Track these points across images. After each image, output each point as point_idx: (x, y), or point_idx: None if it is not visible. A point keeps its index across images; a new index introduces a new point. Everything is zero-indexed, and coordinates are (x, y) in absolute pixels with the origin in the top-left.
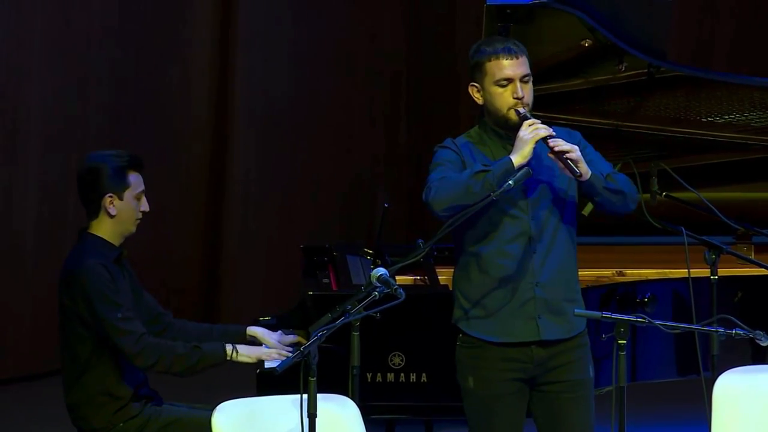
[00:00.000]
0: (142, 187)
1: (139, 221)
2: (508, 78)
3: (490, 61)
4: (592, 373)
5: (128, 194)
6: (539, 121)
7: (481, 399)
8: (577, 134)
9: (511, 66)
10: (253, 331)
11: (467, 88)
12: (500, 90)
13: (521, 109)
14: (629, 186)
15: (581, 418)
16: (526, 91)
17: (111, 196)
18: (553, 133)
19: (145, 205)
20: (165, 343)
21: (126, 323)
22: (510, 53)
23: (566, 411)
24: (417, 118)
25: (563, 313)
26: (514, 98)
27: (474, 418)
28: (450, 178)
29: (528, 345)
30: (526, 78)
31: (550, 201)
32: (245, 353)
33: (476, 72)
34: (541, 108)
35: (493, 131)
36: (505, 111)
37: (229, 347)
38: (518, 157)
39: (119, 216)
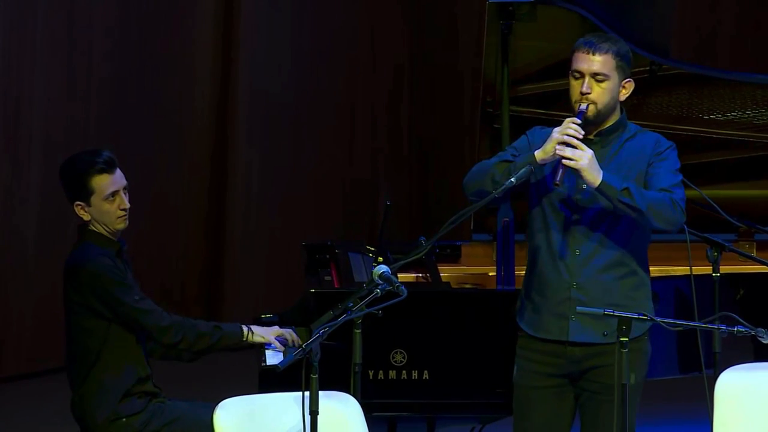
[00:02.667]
0: (112, 188)
1: (123, 218)
2: (579, 71)
3: (575, 51)
4: (634, 379)
5: (95, 199)
6: (579, 122)
7: (520, 389)
8: (665, 144)
9: (585, 60)
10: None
11: (470, 85)
12: (573, 82)
13: (583, 105)
14: (660, 206)
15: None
16: (596, 90)
17: (79, 204)
18: (579, 137)
19: (122, 204)
20: (188, 320)
21: (144, 303)
22: (590, 47)
23: (602, 414)
24: (419, 116)
25: (603, 317)
26: (580, 93)
27: (515, 407)
28: (486, 163)
29: (563, 343)
30: (600, 77)
31: (603, 203)
32: (260, 333)
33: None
34: (543, 105)
35: None
36: (573, 102)
37: (245, 328)
38: (541, 153)
39: (95, 219)
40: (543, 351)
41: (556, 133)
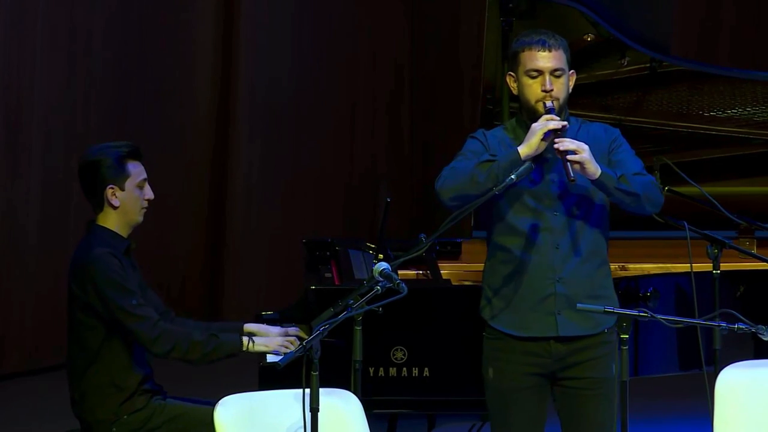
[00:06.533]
0: (144, 176)
1: (144, 210)
2: (538, 69)
3: (524, 51)
4: (614, 371)
5: (129, 184)
6: (558, 117)
7: (499, 391)
8: (615, 131)
9: (543, 58)
10: (251, 327)
11: (470, 83)
12: (530, 81)
13: (549, 103)
14: (648, 189)
15: (602, 417)
16: (557, 86)
17: (112, 188)
18: (565, 128)
19: (149, 193)
20: (181, 329)
21: (141, 309)
22: (544, 45)
23: (587, 408)
24: (420, 113)
25: (603, 312)
26: (542, 91)
27: (493, 410)
28: (459, 167)
29: (547, 340)
30: (558, 72)
31: (578, 197)
32: (262, 343)
33: (513, 61)
34: None
35: (525, 123)
36: (533, 102)
37: (245, 339)
38: (525, 148)
39: (123, 206)
40: (524, 351)
41: (537, 127)
